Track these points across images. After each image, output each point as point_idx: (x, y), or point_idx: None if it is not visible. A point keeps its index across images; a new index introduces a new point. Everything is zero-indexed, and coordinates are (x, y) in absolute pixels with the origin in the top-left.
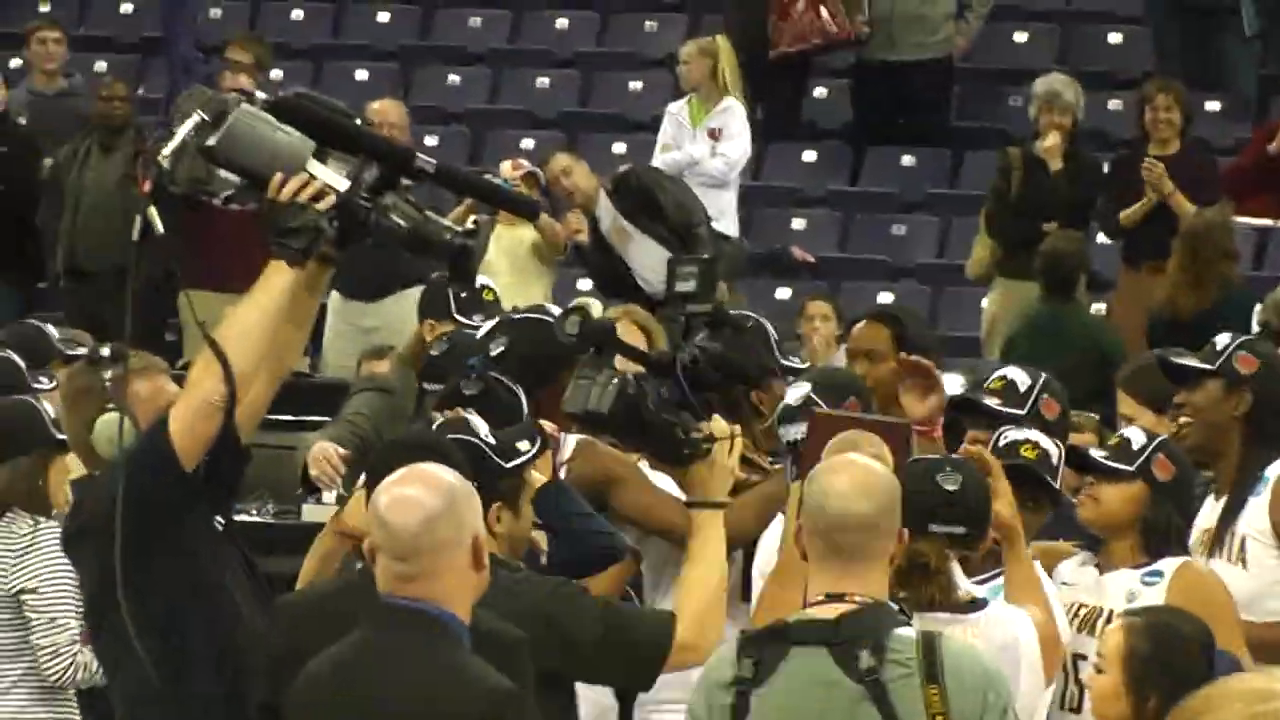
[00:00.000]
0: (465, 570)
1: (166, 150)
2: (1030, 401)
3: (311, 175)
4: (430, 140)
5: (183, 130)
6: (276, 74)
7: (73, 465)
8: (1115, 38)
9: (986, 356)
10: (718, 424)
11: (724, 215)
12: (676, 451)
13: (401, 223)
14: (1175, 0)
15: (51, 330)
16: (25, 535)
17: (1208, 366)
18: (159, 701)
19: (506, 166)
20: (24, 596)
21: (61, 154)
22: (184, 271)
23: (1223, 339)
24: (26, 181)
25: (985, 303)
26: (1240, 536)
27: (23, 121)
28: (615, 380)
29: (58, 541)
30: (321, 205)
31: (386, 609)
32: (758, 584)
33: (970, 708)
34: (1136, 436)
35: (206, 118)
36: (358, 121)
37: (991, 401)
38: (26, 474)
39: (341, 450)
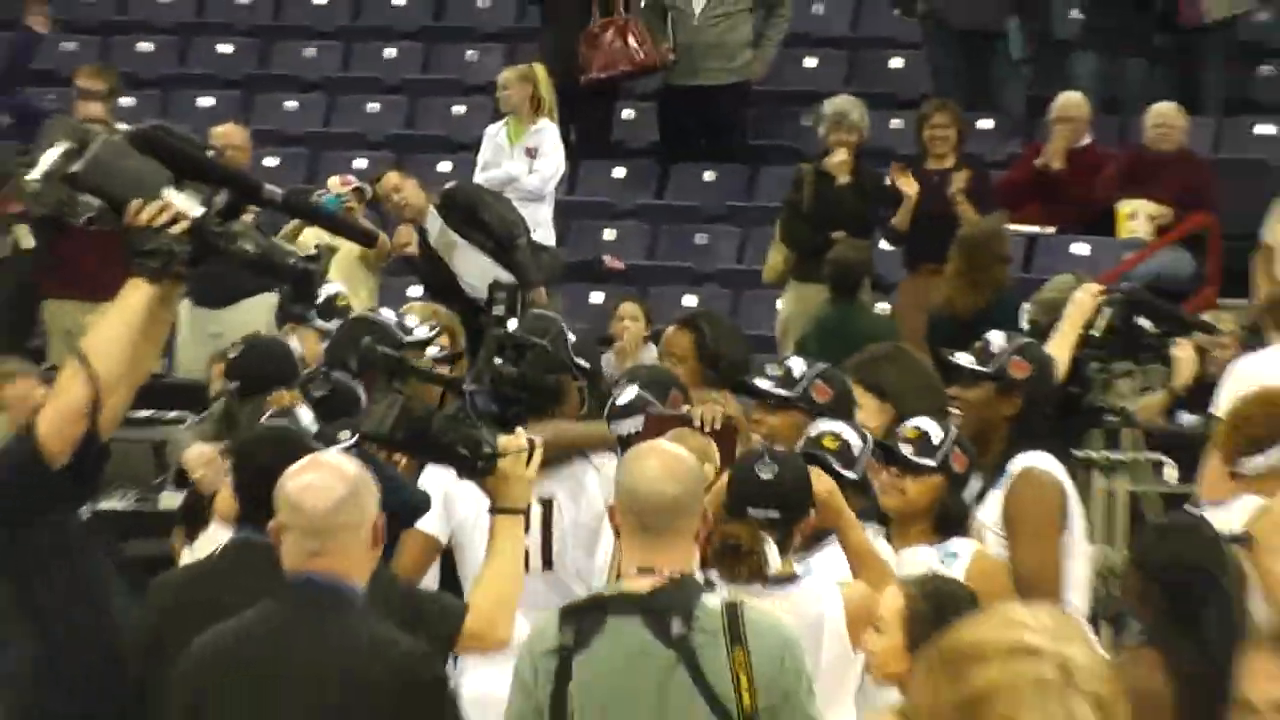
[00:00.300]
0: (366, 547)
1: (34, 175)
2: (801, 385)
3: (167, 202)
4: (270, 161)
5: (49, 157)
6: (127, 101)
7: None
8: (897, 62)
9: (781, 353)
10: (511, 440)
11: (541, 226)
12: (467, 467)
13: (249, 248)
14: (949, 28)
15: None
16: None
17: (983, 370)
18: (38, 680)
19: (335, 181)
20: None
21: None
22: (48, 284)
23: (997, 340)
24: None
25: (780, 304)
26: (978, 526)
27: None
28: (398, 403)
29: None
30: (176, 229)
31: (302, 582)
32: None
33: (770, 669)
34: (934, 431)
35: (72, 145)
36: (210, 153)
37: (765, 384)
38: None
39: (214, 448)
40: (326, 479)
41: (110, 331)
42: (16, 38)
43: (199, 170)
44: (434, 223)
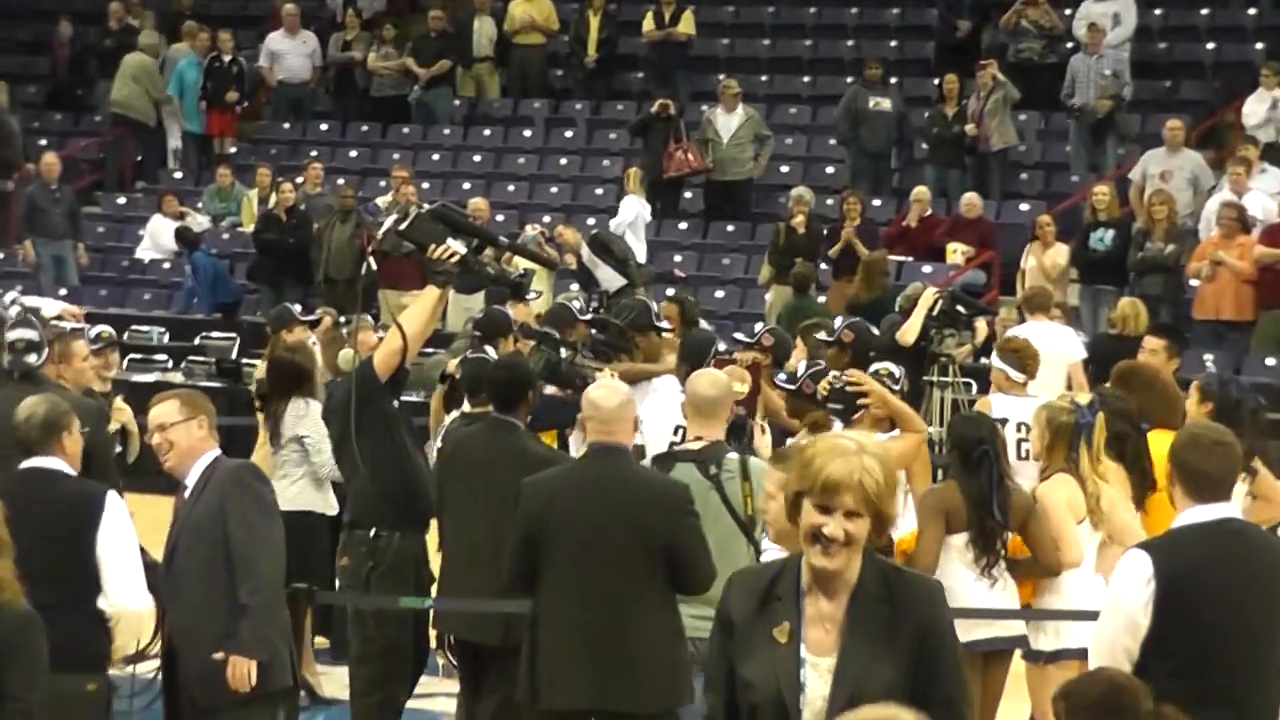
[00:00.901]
0: (629, 430)
1: (380, 233)
2: (758, 336)
3: (448, 245)
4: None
5: (389, 222)
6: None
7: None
8: (830, 169)
9: (768, 323)
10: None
11: (640, 253)
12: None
13: (490, 270)
14: (866, 151)
15: (295, 308)
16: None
17: (829, 339)
18: (369, 497)
19: (529, 229)
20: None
21: (322, 223)
22: (384, 281)
23: (838, 323)
24: (306, 237)
25: (768, 296)
26: None
27: (303, 208)
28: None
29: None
30: (452, 260)
31: (600, 446)
32: None
33: (760, 493)
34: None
35: (401, 215)
36: (469, 217)
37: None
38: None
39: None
40: (613, 388)
41: (416, 312)
42: None
43: (464, 228)
44: (584, 251)
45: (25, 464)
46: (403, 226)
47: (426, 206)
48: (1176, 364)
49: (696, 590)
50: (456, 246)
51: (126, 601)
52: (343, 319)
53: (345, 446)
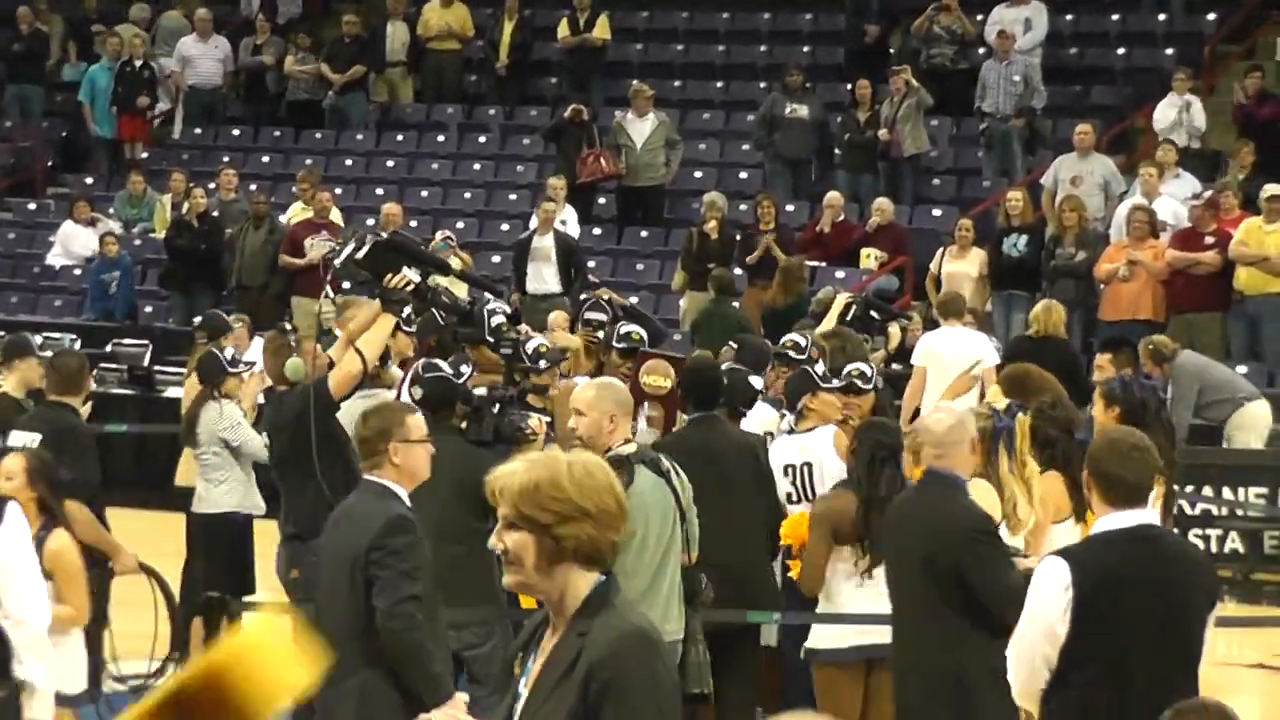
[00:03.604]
0: (968, 455)
1: (338, 261)
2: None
3: (403, 274)
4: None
5: (347, 250)
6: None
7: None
8: (744, 174)
9: (682, 328)
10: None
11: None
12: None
13: (444, 297)
14: (782, 157)
15: (225, 316)
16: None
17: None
18: (320, 510)
19: (439, 236)
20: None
21: (235, 229)
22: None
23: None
24: (219, 243)
25: (682, 302)
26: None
27: (216, 214)
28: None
29: None
30: (408, 287)
31: (930, 473)
32: None
33: (689, 496)
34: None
35: (358, 244)
36: (421, 246)
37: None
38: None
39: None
40: (946, 415)
41: (374, 339)
42: None
43: (418, 257)
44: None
45: None
46: (360, 255)
47: (382, 235)
48: (1128, 374)
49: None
50: (411, 275)
51: (25, 614)
52: (288, 327)
53: (294, 461)
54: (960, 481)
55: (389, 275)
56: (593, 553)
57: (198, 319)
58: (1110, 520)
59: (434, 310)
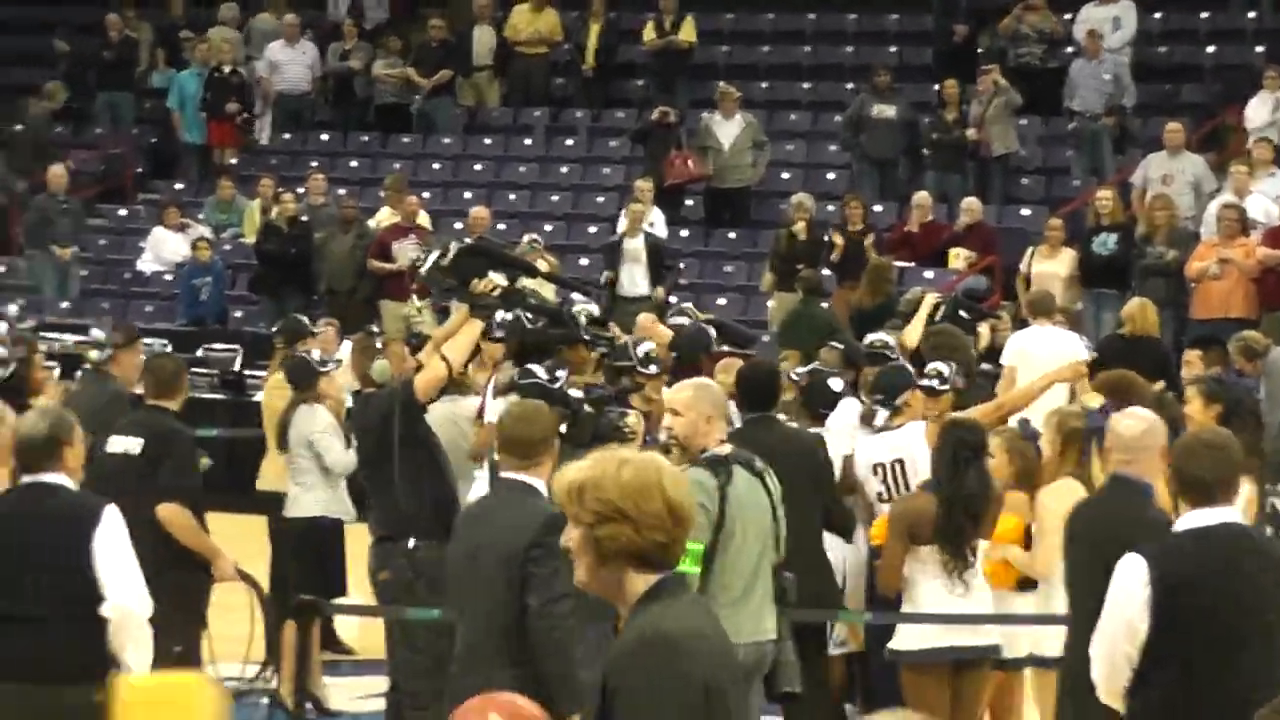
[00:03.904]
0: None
1: (424, 268)
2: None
3: (490, 279)
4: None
5: (432, 257)
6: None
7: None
8: (831, 175)
9: (770, 329)
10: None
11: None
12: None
13: (531, 299)
14: (868, 157)
15: (304, 320)
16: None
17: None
18: (408, 511)
19: (526, 239)
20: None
21: (324, 234)
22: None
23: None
24: (308, 248)
25: (770, 304)
26: None
27: (305, 219)
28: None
29: None
30: (495, 292)
31: (1120, 477)
32: None
33: (779, 491)
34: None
35: (444, 250)
36: (506, 249)
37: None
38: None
39: None
40: (1136, 420)
41: (461, 344)
42: None
43: (503, 260)
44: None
45: (27, 479)
46: (445, 262)
47: (467, 241)
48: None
49: None
50: (498, 279)
51: (129, 603)
52: (375, 330)
53: (380, 463)
54: (1149, 489)
55: (475, 281)
56: (638, 554)
57: (276, 325)
58: (1191, 518)
59: (521, 314)
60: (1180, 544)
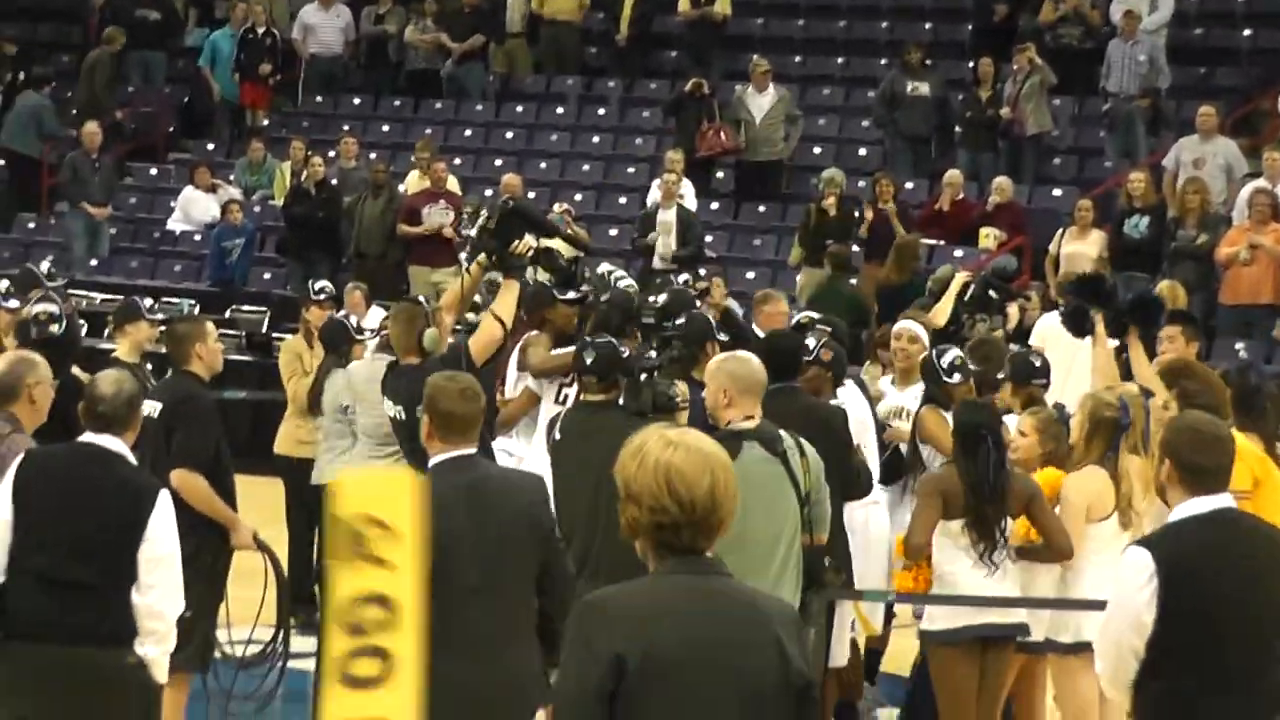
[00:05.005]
0: None
1: (472, 230)
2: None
3: (526, 241)
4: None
5: (480, 221)
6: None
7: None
8: (863, 150)
9: (799, 305)
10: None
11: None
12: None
13: (563, 260)
14: (901, 134)
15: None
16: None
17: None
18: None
19: (557, 208)
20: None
21: (354, 198)
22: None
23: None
24: (336, 212)
25: (799, 278)
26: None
27: (334, 183)
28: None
29: None
30: (528, 254)
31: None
32: None
33: (815, 477)
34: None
35: (489, 214)
36: (536, 210)
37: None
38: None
39: None
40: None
41: (508, 303)
42: None
43: (538, 223)
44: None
45: (91, 438)
46: (493, 224)
47: (508, 201)
48: (1195, 348)
49: None
50: (530, 240)
51: (162, 606)
52: (423, 299)
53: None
54: None
55: (515, 242)
56: (645, 534)
57: (319, 283)
58: (1189, 506)
59: (548, 277)
60: (1181, 530)
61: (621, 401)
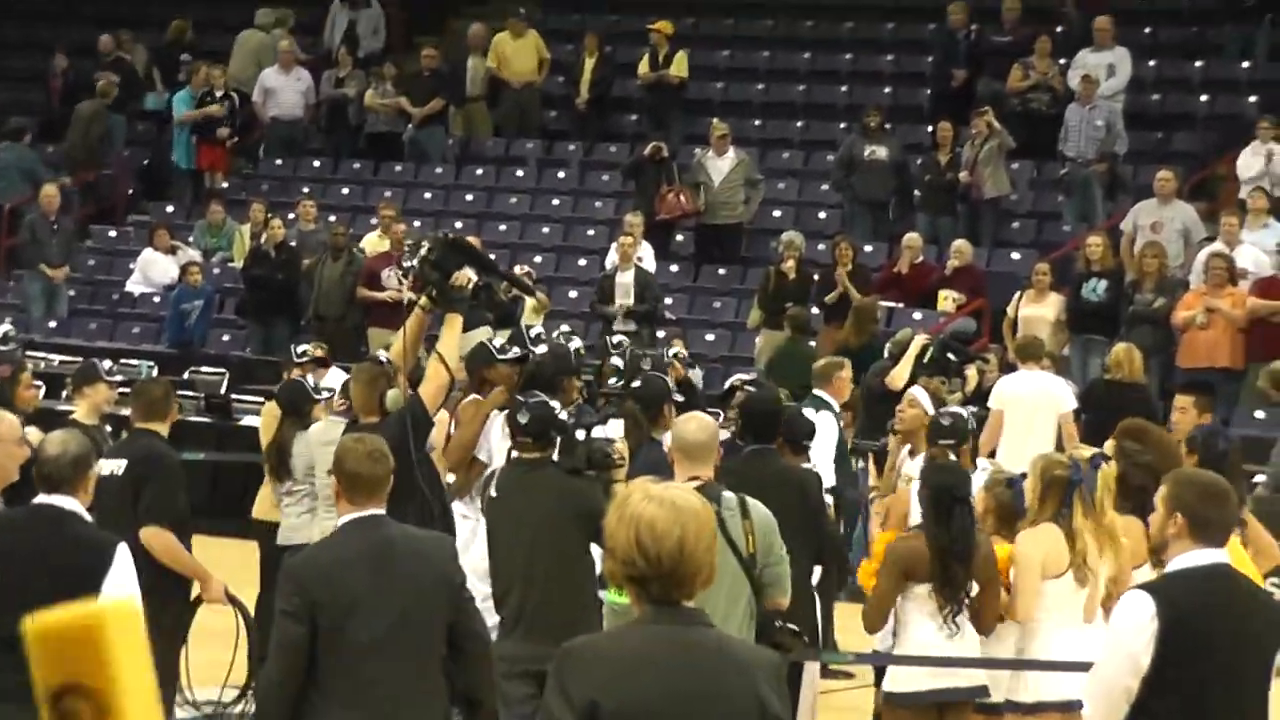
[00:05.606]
0: None
1: (414, 262)
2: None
3: (465, 273)
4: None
5: (421, 253)
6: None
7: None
8: (823, 214)
9: (757, 367)
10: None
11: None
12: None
13: (500, 297)
14: (859, 199)
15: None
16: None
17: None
18: (432, 521)
19: (517, 269)
20: None
21: (313, 260)
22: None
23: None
24: (296, 274)
25: (758, 340)
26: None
27: (292, 245)
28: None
29: None
30: (469, 286)
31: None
32: None
33: (763, 539)
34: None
35: (431, 247)
36: (477, 247)
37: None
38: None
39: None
40: None
41: (450, 341)
42: None
43: (476, 258)
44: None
45: (44, 499)
46: (435, 255)
47: (446, 233)
48: (1208, 419)
49: None
50: (471, 274)
51: None
52: (383, 357)
53: (404, 482)
54: None
55: (455, 275)
56: (624, 584)
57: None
58: (1190, 557)
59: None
60: (1182, 580)
61: (556, 458)
